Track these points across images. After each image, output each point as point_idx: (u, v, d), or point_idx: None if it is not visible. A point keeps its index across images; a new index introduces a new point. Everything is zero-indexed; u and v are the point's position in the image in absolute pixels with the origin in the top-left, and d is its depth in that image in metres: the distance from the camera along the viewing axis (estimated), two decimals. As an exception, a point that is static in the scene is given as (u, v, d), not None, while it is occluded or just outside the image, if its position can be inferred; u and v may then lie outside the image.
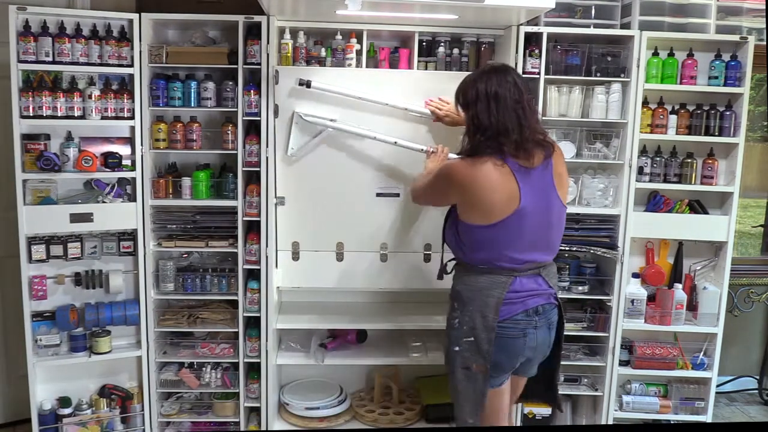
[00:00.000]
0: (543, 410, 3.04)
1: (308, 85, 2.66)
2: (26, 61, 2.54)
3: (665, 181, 2.90)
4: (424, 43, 2.89)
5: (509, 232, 2.00)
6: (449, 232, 2.18)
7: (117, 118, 2.70)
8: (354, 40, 2.81)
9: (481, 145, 1.99)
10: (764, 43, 2.89)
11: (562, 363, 2.95)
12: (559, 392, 2.32)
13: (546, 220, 2.05)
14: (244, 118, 2.74)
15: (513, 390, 2.26)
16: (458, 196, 2.07)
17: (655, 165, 2.88)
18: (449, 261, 2.28)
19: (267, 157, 2.74)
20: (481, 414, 2.11)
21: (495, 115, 1.96)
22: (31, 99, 2.56)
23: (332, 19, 2.76)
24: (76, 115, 2.64)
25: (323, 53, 2.84)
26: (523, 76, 2.73)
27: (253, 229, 2.84)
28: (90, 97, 2.64)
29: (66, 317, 2.74)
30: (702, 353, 3.00)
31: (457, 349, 2.09)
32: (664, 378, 3.08)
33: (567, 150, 2.85)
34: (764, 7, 2.93)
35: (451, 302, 2.17)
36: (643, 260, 3.05)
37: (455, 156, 2.29)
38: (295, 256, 2.90)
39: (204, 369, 2.94)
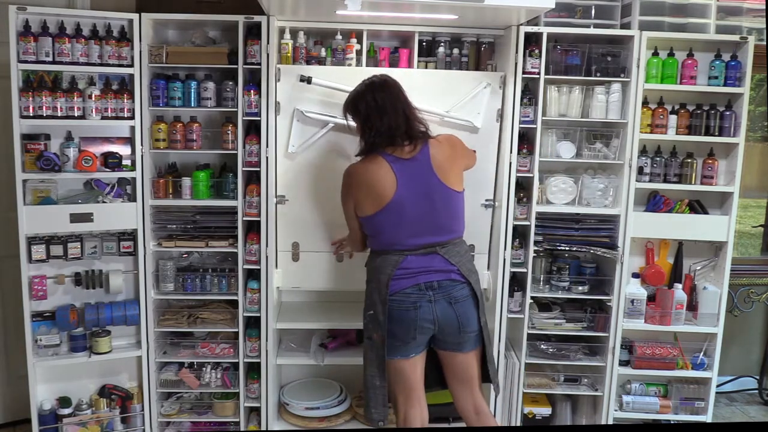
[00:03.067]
0: (543, 410, 3.04)
1: (309, 81, 2.68)
2: (26, 61, 2.55)
3: (665, 181, 2.90)
4: (424, 43, 2.89)
5: (392, 218, 2.26)
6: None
7: (117, 118, 2.70)
8: (354, 40, 2.81)
9: (365, 145, 2.32)
10: (764, 43, 2.89)
11: (563, 363, 2.99)
12: (496, 370, 2.51)
13: (428, 204, 2.26)
14: (244, 118, 2.74)
15: (452, 367, 2.38)
16: (354, 194, 2.34)
17: (655, 165, 2.88)
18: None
19: (267, 157, 2.74)
20: (391, 386, 2.35)
21: (366, 119, 2.30)
22: (31, 99, 2.56)
23: (332, 19, 2.77)
24: (76, 115, 2.64)
25: (323, 53, 2.84)
26: (523, 76, 2.74)
27: (253, 229, 2.84)
28: (90, 97, 2.64)
29: (66, 317, 2.74)
30: (702, 353, 3.00)
31: (364, 322, 2.38)
32: (664, 378, 3.08)
33: (567, 150, 2.86)
34: (764, 7, 2.93)
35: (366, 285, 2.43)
36: (643, 260, 3.05)
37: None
38: (295, 256, 2.90)
39: (204, 369, 2.94)
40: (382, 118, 2.26)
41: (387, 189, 2.24)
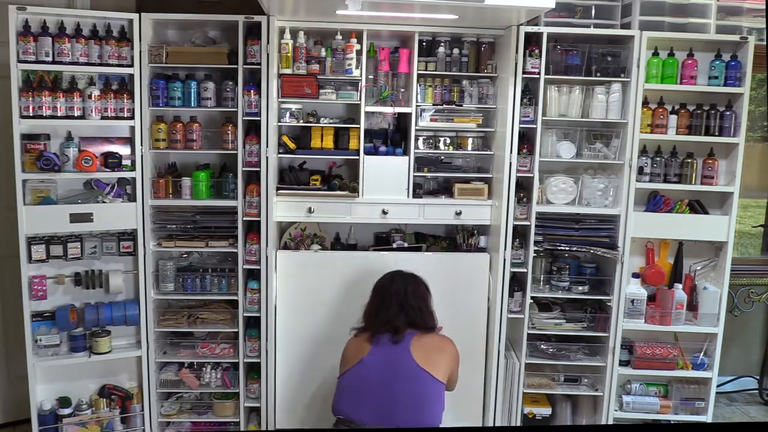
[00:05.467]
0: (543, 410, 3.04)
1: None
2: (26, 61, 2.54)
3: (665, 181, 2.90)
4: (424, 43, 2.89)
5: (352, 383, 2.13)
6: None
7: (117, 118, 2.70)
8: (354, 40, 2.80)
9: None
10: (764, 43, 2.89)
11: (563, 363, 2.99)
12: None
13: (392, 382, 2.07)
14: (244, 118, 2.74)
15: None
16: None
17: (655, 165, 2.88)
18: None
19: (267, 157, 2.74)
20: None
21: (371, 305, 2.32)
22: (31, 99, 2.56)
23: (332, 19, 2.76)
24: (76, 115, 2.64)
25: (323, 53, 2.84)
26: (523, 76, 2.74)
27: (253, 229, 2.84)
28: (90, 97, 2.64)
29: (66, 317, 2.74)
30: (702, 353, 3.00)
31: None
32: (664, 378, 3.08)
33: (567, 150, 2.86)
34: (764, 7, 2.92)
35: None
36: (643, 260, 3.05)
37: None
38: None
39: (204, 369, 2.94)
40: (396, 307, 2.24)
41: (359, 354, 2.18)
